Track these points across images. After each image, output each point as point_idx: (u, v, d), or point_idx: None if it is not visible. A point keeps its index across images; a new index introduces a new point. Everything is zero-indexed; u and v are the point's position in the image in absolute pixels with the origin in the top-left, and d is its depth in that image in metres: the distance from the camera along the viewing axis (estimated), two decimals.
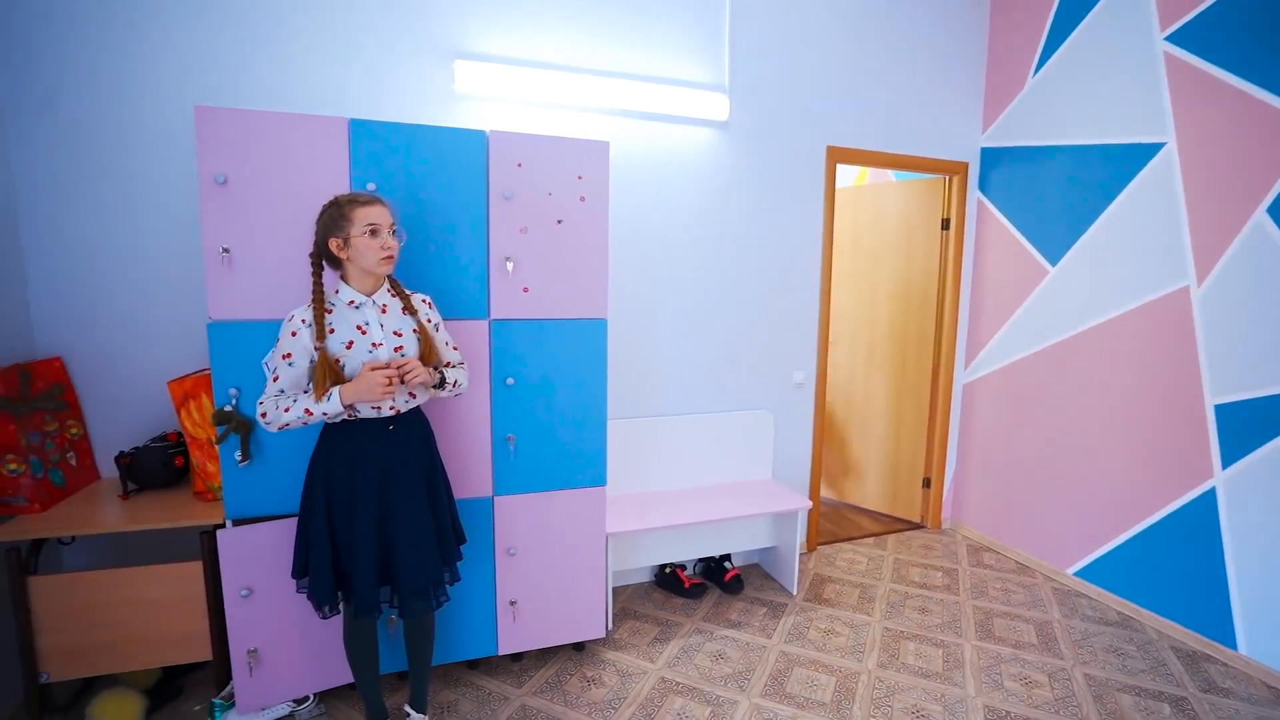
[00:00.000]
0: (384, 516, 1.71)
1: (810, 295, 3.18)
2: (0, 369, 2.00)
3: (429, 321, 1.83)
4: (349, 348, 1.61)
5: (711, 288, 2.95)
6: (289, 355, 1.63)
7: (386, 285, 1.79)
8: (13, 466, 1.98)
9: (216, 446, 1.94)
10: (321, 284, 1.70)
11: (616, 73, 2.73)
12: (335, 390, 1.58)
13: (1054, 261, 3.09)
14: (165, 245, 2.27)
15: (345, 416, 1.66)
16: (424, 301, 1.85)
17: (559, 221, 2.13)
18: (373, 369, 1.63)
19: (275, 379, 1.64)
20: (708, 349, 2.99)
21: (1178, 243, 2.63)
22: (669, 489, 2.94)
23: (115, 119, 2.23)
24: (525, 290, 2.13)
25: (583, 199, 2.15)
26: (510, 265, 2.08)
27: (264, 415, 1.61)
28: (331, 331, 1.66)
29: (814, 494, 3.27)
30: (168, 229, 2.27)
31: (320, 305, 1.66)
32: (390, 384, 1.60)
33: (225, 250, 1.84)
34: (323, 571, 1.70)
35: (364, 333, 1.67)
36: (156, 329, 2.30)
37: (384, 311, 1.76)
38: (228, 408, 1.90)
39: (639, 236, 2.81)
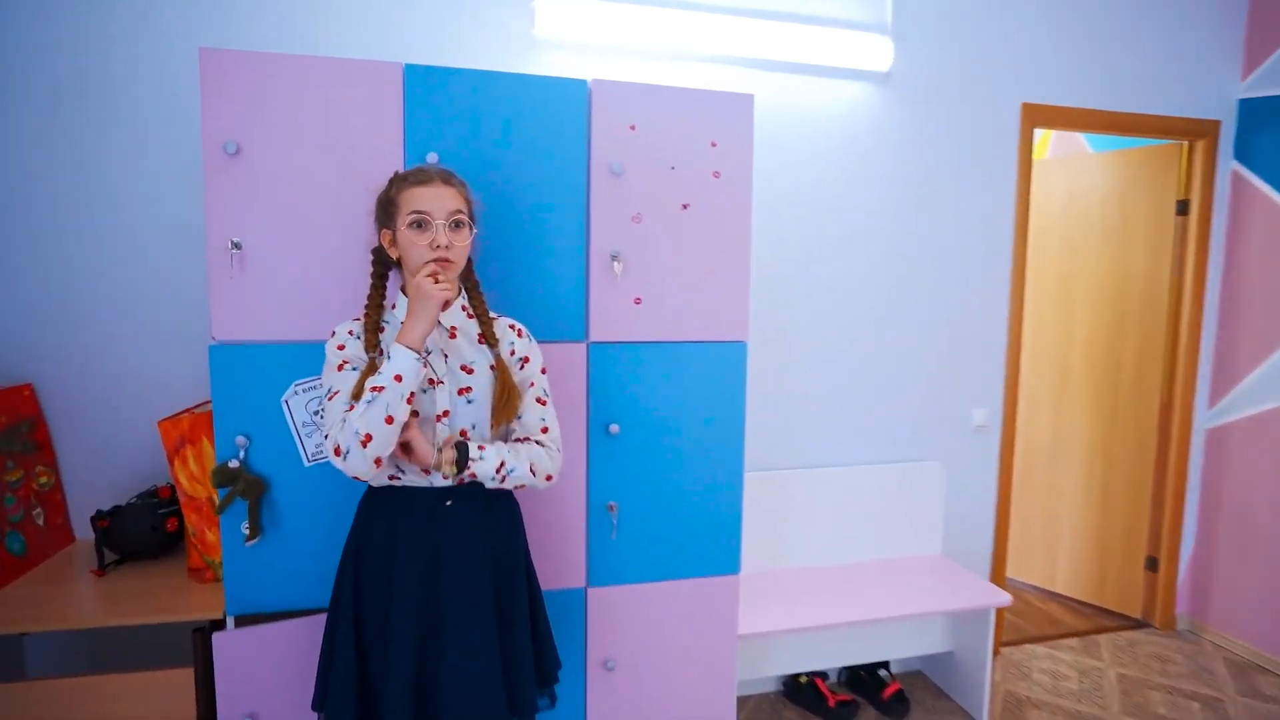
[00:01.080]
0: (429, 629, 1.42)
1: (997, 306, 2.81)
2: None
3: (512, 354, 1.49)
4: (398, 382, 1.31)
5: (864, 298, 2.66)
6: (345, 364, 1.40)
7: (461, 299, 1.49)
8: None
9: (218, 516, 1.63)
10: (382, 291, 1.48)
11: (741, 9, 2.44)
12: (394, 344, 1.33)
13: None
14: (165, 245, 2.10)
15: (406, 389, 1.34)
16: (512, 329, 1.54)
17: (684, 206, 1.84)
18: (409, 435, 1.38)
19: (334, 395, 1.38)
20: (859, 379, 2.69)
21: None
22: (806, 565, 2.64)
23: (103, 81, 2.04)
24: (637, 301, 1.83)
25: (717, 174, 1.86)
26: (618, 267, 1.79)
27: (339, 450, 1.32)
28: (380, 354, 1.41)
29: (1001, 577, 2.86)
30: (168, 224, 2.09)
31: (375, 317, 1.45)
32: (438, 283, 1.35)
33: (235, 245, 1.60)
34: (343, 696, 1.43)
35: (423, 366, 1.39)
36: (153, 351, 2.12)
37: (452, 336, 1.47)
38: (233, 463, 1.63)
39: (769, 231, 2.51)
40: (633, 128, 1.79)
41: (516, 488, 1.46)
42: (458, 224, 1.40)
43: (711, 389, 1.91)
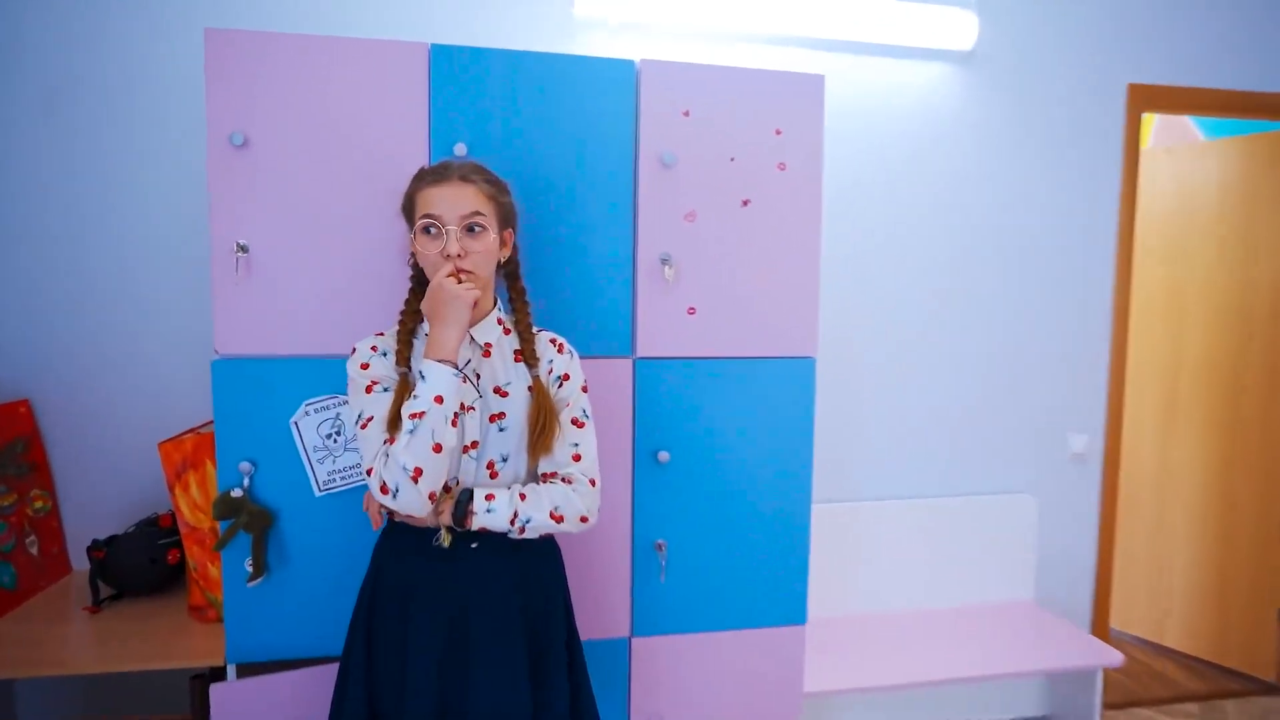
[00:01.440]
0: (450, 689, 1.32)
1: (1098, 317, 2.64)
2: None
3: (550, 372, 1.39)
4: (439, 404, 1.24)
5: (942, 306, 2.53)
6: (374, 384, 1.31)
7: (496, 311, 1.40)
8: None
9: (218, 551, 1.55)
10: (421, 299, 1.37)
11: None
12: (425, 361, 1.25)
13: None
14: (177, 251, 2.07)
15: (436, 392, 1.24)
16: (553, 344, 1.43)
17: (745, 202, 1.74)
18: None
19: (367, 423, 1.28)
20: (936, 399, 2.55)
21: None
22: (876, 610, 2.51)
23: (101, 79, 2.02)
24: (691, 312, 1.74)
25: (782, 166, 1.75)
26: (669, 272, 1.70)
27: (386, 488, 1.23)
28: (407, 373, 1.33)
29: (1104, 629, 2.68)
30: (181, 229, 2.06)
31: (410, 324, 1.37)
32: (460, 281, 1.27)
33: (241, 248, 1.53)
34: None
35: (462, 381, 1.31)
36: (162, 364, 2.09)
37: (487, 354, 1.37)
38: (236, 492, 1.55)
39: (831, 230, 2.37)
40: (686, 114, 1.69)
41: (516, 535, 1.33)
42: (473, 227, 1.29)
43: (775, 411, 1.80)
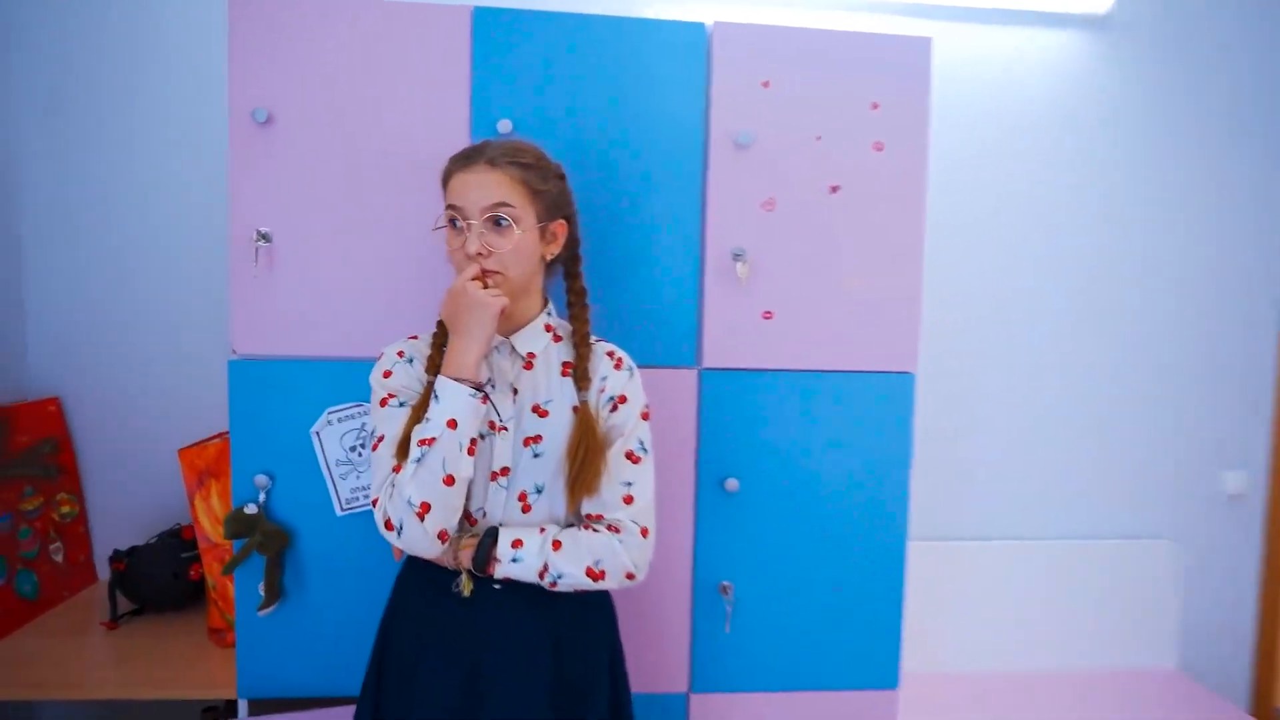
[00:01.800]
0: None
1: (1262, 333, 2.42)
2: None
3: (602, 392, 1.25)
4: (452, 429, 1.13)
5: (1064, 316, 2.36)
6: (391, 397, 1.21)
7: (546, 315, 1.29)
8: None
9: (228, 575, 1.48)
10: None
11: None
12: (439, 378, 1.15)
13: None
14: (212, 245, 2.06)
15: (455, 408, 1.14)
16: (610, 357, 1.29)
17: (834, 189, 1.60)
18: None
19: (378, 443, 1.19)
20: (1056, 425, 2.38)
21: None
22: (980, 670, 2.34)
23: (126, 74, 2.04)
24: (767, 316, 1.61)
25: (879, 146, 1.61)
26: (742, 269, 1.57)
27: (390, 522, 1.13)
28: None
29: (1266, 710, 2.43)
30: (216, 221, 2.02)
31: (445, 331, 1.26)
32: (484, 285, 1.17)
33: (263, 236, 1.47)
34: None
35: (483, 401, 1.19)
36: (195, 364, 2.08)
37: (528, 367, 1.25)
38: (250, 508, 1.48)
39: (941, 224, 2.18)
40: (766, 85, 1.56)
41: (548, 587, 1.18)
42: (500, 220, 1.17)
43: (865, 435, 1.65)
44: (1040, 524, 2.39)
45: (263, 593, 1.48)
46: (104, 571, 2.04)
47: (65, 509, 1.99)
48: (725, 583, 1.61)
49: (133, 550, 1.85)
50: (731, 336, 1.58)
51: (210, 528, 1.71)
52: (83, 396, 2.04)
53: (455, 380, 1.12)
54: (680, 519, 1.59)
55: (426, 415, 1.13)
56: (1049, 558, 2.33)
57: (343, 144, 1.47)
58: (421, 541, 1.11)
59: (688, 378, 1.57)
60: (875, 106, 1.58)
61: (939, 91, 2.09)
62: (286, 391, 1.49)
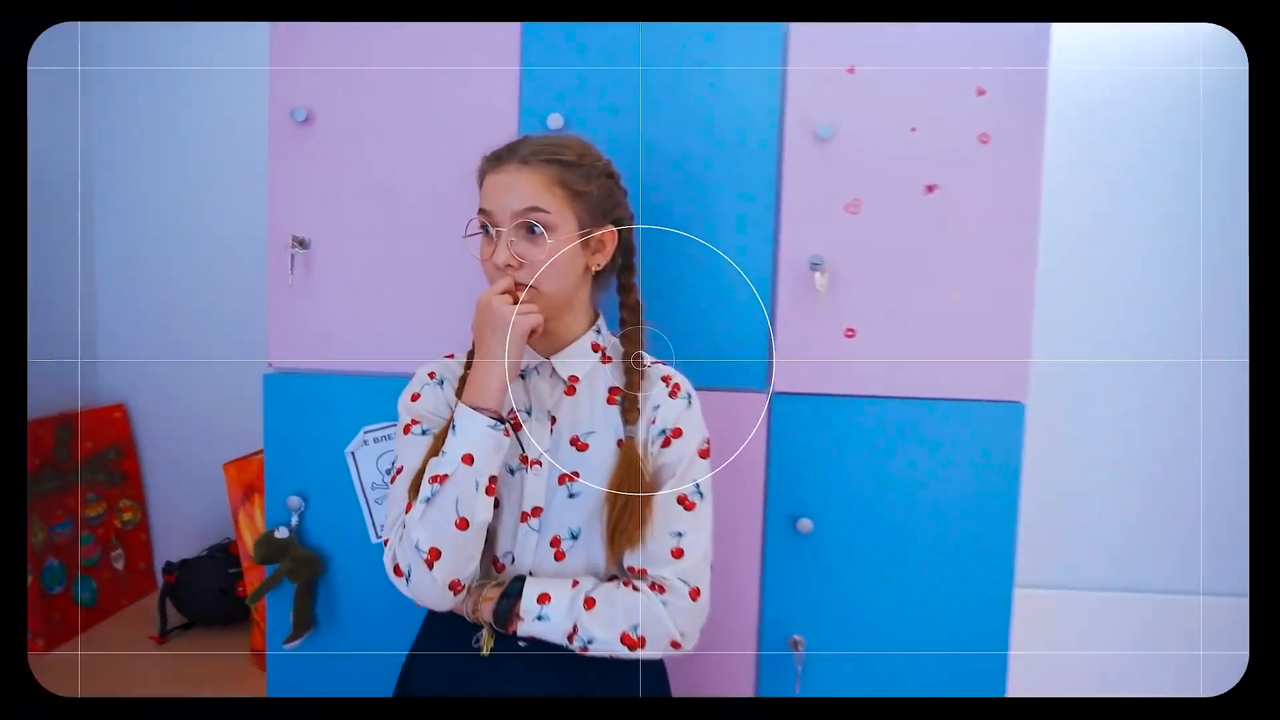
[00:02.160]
0: None
1: None
2: (33, 419, 1.79)
3: (653, 423, 1.09)
4: (469, 465, 1.00)
5: (1200, 329, 2.12)
6: (413, 424, 1.10)
7: (590, 335, 1.14)
8: None
9: (251, 604, 1.40)
10: None
11: None
12: (459, 406, 1.03)
13: None
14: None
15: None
16: (664, 382, 1.13)
17: (930, 188, 1.42)
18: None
19: (398, 473, 1.09)
20: (1188, 465, 2.13)
21: None
22: None
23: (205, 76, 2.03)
24: (850, 334, 1.44)
25: (984, 138, 1.41)
26: (821, 280, 1.39)
27: (398, 568, 1.01)
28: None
29: None
30: None
31: None
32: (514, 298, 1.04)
33: (299, 243, 1.41)
34: None
35: (515, 427, 1.08)
36: (259, 372, 2.04)
37: (571, 392, 1.10)
38: (281, 532, 1.41)
39: (1057, 229, 1.96)
40: (851, 70, 1.38)
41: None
42: (533, 228, 1.02)
43: (965, 471, 1.45)
44: (1164, 575, 2.17)
45: (291, 625, 1.40)
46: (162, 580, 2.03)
47: (127, 516, 2.00)
48: (796, 637, 1.45)
49: (184, 563, 1.84)
50: (807, 357, 1.43)
51: (251, 545, 1.66)
52: (147, 403, 2.05)
53: (475, 409, 0.98)
54: (745, 564, 1.44)
55: (442, 448, 0.99)
56: (1173, 612, 2.10)
57: (384, 141, 1.39)
58: (430, 592, 0.98)
59: (756, 403, 1.41)
60: (981, 92, 1.37)
61: (1057, 74, 1.92)
62: (323, 407, 1.43)
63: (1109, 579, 2.17)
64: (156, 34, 1.98)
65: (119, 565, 1.94)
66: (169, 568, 1.81)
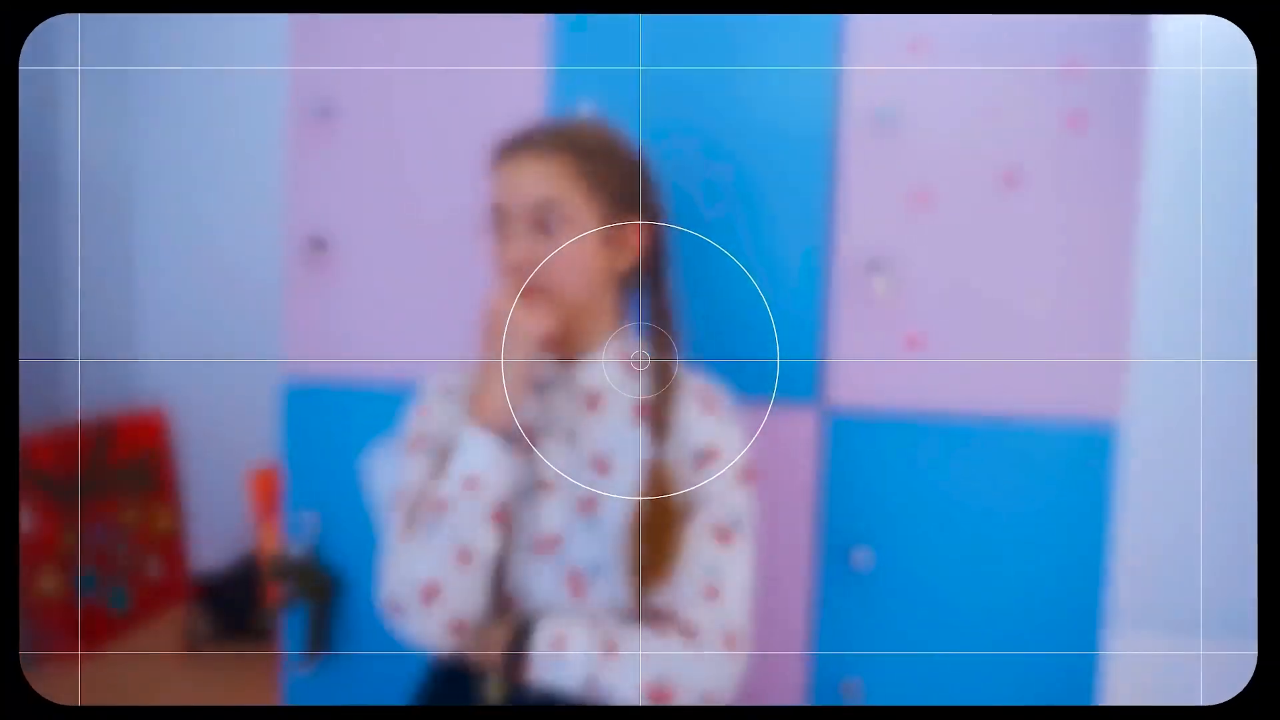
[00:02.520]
0: None
1: None
2: (68, 427, 1.76)
3: (685, 443, 0.99)
4: (471, 491, 0.91)
5: None
6: (419, 440, 1.03)
7: (616, 341, 1.05)
8: (49, 583, 1.68)
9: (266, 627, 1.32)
10: None
11: None
12: (462, 427, 0.95)
13: None
14: None
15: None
16: (700, 395, 1.01)
17: (1008, 179, 1.29)
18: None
19: (397, 498, 1.01)
20: None
21: None
22: None
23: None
24: (914, 342, 1.31)
25: (1075, 122, 1.27)
26: (882, 284, 1.29)
27: (394, 601, 0.92)
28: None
29: None
30: None
31: None
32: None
33: (318, 244, 1.36)
34: None
35: (528, 447, 1.00)
36: None
37: (593, 407, 0.99)
38: (297, 550, 1.36)
39: (1148, 228, 1.84)
40: (913, 47, 1.26)
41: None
42: (544, 222, 0.91)
43: (1048, 499, 1.31)
44: None
45: (308, 646, 1.33)
46: None
47: (163, 523, 1.98)
48: (850, 681, 1.32)
49: (215, 572, 1.78)
50: (865, 368, 1.30)
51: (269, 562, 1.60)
52: (184, 410, 2.02)
53: (480, 425, 0.88)
54: (793, 599, 1.32)
55: (445, 470, 0.89)
56: None
57: (407, 134, 1.33)
58: (430, 629, 0.88)
59: (806, 419, 1.29)
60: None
61: (1162, 49, 1.74)
62: (342, 418, 1.37)
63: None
64: (192, 26, 1.99)
65: (153, 573, 1.94)
66: (200, 577, 1.79)
